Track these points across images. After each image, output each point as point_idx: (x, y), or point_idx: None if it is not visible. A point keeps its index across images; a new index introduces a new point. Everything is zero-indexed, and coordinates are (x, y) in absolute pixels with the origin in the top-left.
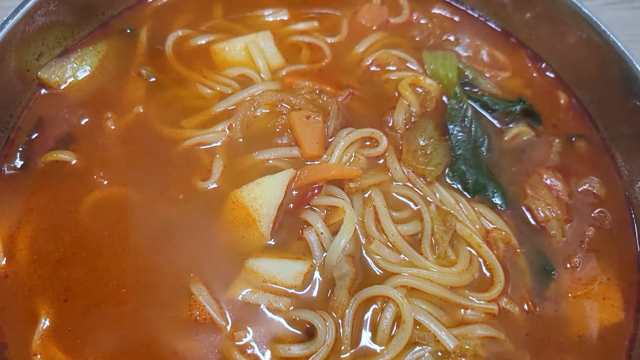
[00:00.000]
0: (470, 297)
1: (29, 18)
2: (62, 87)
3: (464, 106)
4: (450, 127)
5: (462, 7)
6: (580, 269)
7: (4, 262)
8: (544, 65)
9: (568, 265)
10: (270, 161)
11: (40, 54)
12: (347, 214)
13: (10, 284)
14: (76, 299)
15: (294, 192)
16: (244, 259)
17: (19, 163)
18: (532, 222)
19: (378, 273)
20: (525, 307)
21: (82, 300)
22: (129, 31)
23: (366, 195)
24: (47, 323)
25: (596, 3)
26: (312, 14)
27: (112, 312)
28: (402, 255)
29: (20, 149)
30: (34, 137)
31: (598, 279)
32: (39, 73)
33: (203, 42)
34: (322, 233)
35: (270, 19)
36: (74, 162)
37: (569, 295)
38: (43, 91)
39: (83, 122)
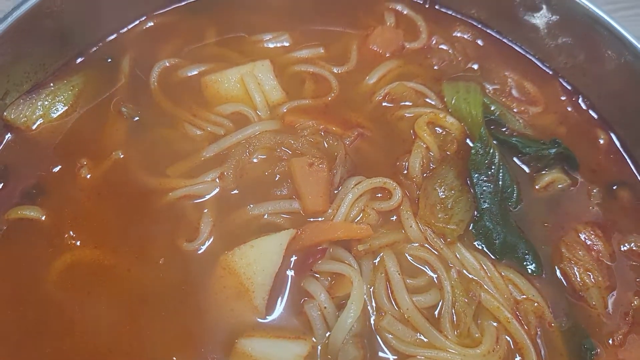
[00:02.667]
0: None
1: None
2: (31, 130)
3: (491, 151)
4: (475, 176)
5: (487, 30)
6: (624, 348)
7: None
8: (580, 98)
9: (610, 342)
10: (266, 216)
11: (5, 92)
12: (355, 285)
13: None
14: None
15: (294, 257)
16: (234, 337)
17: None
18: (569, 289)
19: (390, 355)
20: None
21: None
22: (109, 60)
23: (377, 259)
24: None
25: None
26: (317, 39)
27: None
28: (418, 334)
29: None
30: None
31: None
32: (5, 114)
33: (193, 73)
34: (325, 307)
35: (270, 45)
36: (43, 218)
37: None
38: (8, 136)
39: (54, 170)
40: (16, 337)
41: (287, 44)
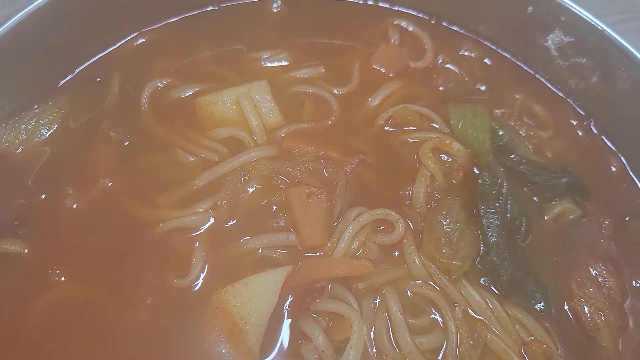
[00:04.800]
0: None
1: None
2: (14, 155)
3: (499, 180)
4: (482, 208)
5: (495, 49)
6: None
7: None
8: (592, 122)
9: None
10: (261, 250)
11: None
12: (354, 329)
13: None
14: None
15: (290, 296)
16: None
17: None
18: (579, 329)
19: None
20: None
21: None
22: (98, 80)
23: (378, 299)
24: None
25: None
26: (318, 57)
27: None
28: None
29: None
30: None
31: None
32: None
33: (187, 94)
34: (323, 351)
35: (269, 64)
36: (25, 251)
37: None
38: None
39: (38, 199)
40: None
41: (286, 63)
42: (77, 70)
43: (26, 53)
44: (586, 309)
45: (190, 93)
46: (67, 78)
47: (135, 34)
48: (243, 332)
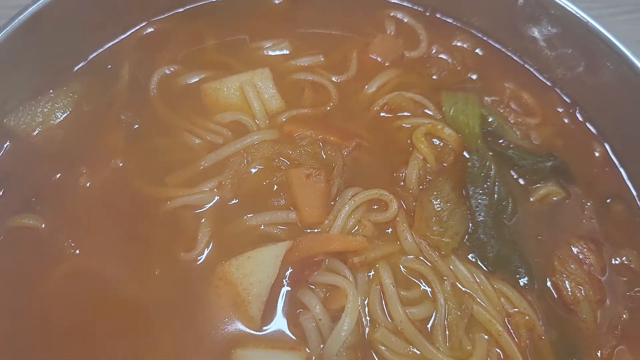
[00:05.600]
0: None
1: None
2: (31, 137)
3: (487, 163)
4: (471, 189)
5: (487, 40)
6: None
7: None
8: (577, 110)
9: (599, 354)
10: (263, 227)
11: (5, 99)
12: (349, 299)
13: None
14: None
15: (290, 268)
16: (230, 347)
17: None
18: (559, 302)
19: None
20: None
21: None
22: (109, 67)
23: (372, 272)
24: None
25: None
26: (317, 47)
27: None
28: (411, 347)
29: None
30: None
31: None
32: (4, 121)
33: (193, 80)
34: (320, 319)
35: (271, 52)
36: (42, 226)
37: None
38: (7, 143)
39: (54, 178)
40: (16, 344)
41: (287, 52)
42: (90, 58)
43: (42, 42)
44: (567, 284)
45: (196, 80)
46: (80, 65)
47: (144, 24)
48: (245, 301)
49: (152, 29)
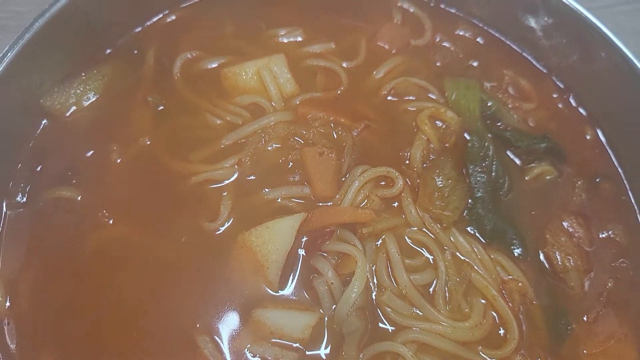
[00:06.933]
0: (483, 354)
1: (32, 44)
2: (65, 116)
3: (486, 144)
4: (470, 167)
5: (488, 29)
6: (597, 323)
7: (7, 306)
8: (571, 96)
9: (585, 319)
10: (280, 200)
11: (42, 82)
12: (359, 265)
13: (11, 330)
14: (77, 349)
15: (305, 237)
16: (250, 308)
17: (21, 200)
18: (550, 271)
19: (389, 326)
20: None
21: (83, 351)
22: (135, 52)
23: (379, 241)
24: None
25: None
26: (329, 34)
27: None
28: (414, 309)
29: (22, 184)
30: (37, 171)
31: (615, 336)
32: (41, 101)
33: (213, 65)
34: (332, 283)
35: (285, 39)
36: (78, 198)
37: (585, 352)
38: (45, 122)
39: (87, 155)
40: (56, 304)
41: (300, 39)
42: (118, 43)
43: (75, 29)
44: (557, 254)
45: (216, 65)
46: (109, 50)
47: (166, 12)
48: (264, 267)
49: (174, 17)
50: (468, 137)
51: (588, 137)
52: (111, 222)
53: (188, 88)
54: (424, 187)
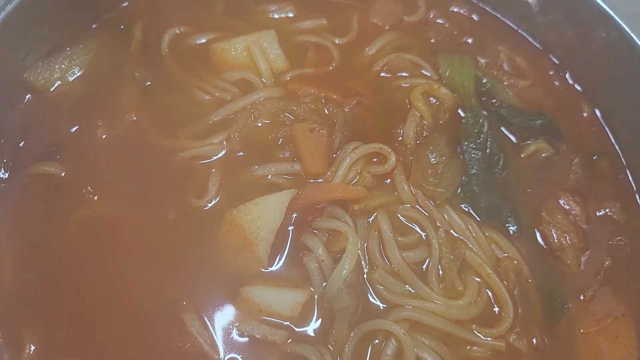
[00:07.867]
0: (477, 333)
1: (15, 17)
2: (49, 91)
3: (480, 120)
4: (465, 144)
5: (483, 6)
6: (594, 302)
7: None
8: (567, 73)
9: (582, 297)
10: (270, 177)
11: (25, 55)
12: (350, 241)
13: None
14: (61, 328)
15: (295, 214)
16: (239, 285)
17: (3, 175)
18: (546, 249)
19: (380, 304)
20: (534, 341)
21: (67, 329)
22: (122, 27)
23: (371, 218)
24: (32, 351)
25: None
26: (320, 10)
27: (99, 343)
28: (407, 286)
29: (5, 160)
30: (20, 146)
31: (612, 314)
32: (25, 75)
33: (202, 41)
34: (322, 260)
35: (276, 15)
36: (62, 174)
37: (581, 331)
38: (28, 96)
39: (72, 130)
40: (40, 280)
41: (291, 15)
42: (104, 18)
43: (60, 1)
44: (554, 232)
45: (206, 40)
46: (95, 24)
47: None
48: (253, 244)
49: None
50: (462, 114)
51: (585, 114)
52: (96, 198)
53: (176, 64)
54: (417, 164)
